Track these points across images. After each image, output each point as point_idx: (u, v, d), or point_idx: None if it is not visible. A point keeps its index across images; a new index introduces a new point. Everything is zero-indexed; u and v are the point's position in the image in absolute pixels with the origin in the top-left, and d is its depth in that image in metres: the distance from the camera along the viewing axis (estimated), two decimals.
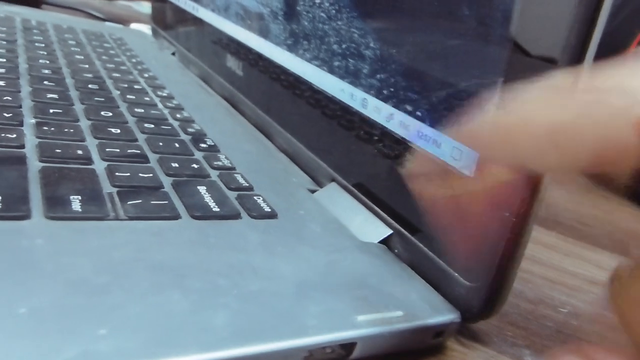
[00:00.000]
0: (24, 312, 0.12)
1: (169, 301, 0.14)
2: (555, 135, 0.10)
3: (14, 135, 0.21)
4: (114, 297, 0.14)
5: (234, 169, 0.24)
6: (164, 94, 0.34)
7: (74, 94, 0.29)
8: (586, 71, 0.14)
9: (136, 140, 0.25)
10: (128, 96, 0.31)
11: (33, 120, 0.24)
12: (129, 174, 0.21)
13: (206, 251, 0.17)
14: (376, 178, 0.22)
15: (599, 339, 0.21)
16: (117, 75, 0.36)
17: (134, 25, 0.61)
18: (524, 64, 0.16)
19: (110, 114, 0.27)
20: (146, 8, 0.76)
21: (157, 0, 0.55)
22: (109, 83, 0.33)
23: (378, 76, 0.22)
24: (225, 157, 0.25)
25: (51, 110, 0.25)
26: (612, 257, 0.30)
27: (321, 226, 0.21)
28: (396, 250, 0.21)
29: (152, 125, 0.27)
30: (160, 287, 0.15)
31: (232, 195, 0.22)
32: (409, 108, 0.20)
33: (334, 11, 0.24)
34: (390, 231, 0.21)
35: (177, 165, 0.23)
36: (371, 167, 0.22)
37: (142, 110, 0.29)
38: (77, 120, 0.25)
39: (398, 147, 0.21)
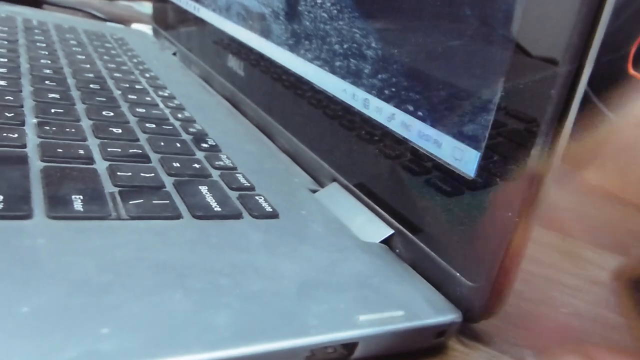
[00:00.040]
0: (26, 312, 0.12)
1: (171, 301, 0.14)
2: None
3: (16, 135, 0.21)
4: (116, 296, 0.14)
5: (235, 169, 0.24)
6: (165, 94, 0.34)
7: (75, 93, 0.29)
8: None
9: (138, 140, 0.25)
10: (129, 96, 0.31)
11: (35, 120, 0.24)
12: (130, 174, 0.21)
13: (208, 251, 0.17)
14: (377, 178, 0.22)
15: (600, 339, 0.21)
16: (118, 75, 0.36)
17: (135, 26, 0.61)
18: (526, 65, 0.16)
19: (112, 113, 0.27)
20: (147, 8, 0.76)
21: (158, 0, 0.55)
22: (111, 83, 0.33)
23: (380, 76, 0.22)
24: (227, 157, 0.25)
25: (53, 110, 0.25)
26: (612, 257, 0.30)
27: (322, 226, 0.21)
28: (397, 250, 0.21)
29: (154, 125, 0.27)
30: (162, 287, 0.15)
31: (233, 195, 0.22)
32: (411, 108, 0.20)
33: (335, 11, 0.24)
34: (391, 231, 0.21)
35: (178, 165, 0.23)
36: (372, 167, 0.22)
37: (144, 110, 0.29)
38: (79, 120, 0.25)
39: (399, 147, 0.21)
